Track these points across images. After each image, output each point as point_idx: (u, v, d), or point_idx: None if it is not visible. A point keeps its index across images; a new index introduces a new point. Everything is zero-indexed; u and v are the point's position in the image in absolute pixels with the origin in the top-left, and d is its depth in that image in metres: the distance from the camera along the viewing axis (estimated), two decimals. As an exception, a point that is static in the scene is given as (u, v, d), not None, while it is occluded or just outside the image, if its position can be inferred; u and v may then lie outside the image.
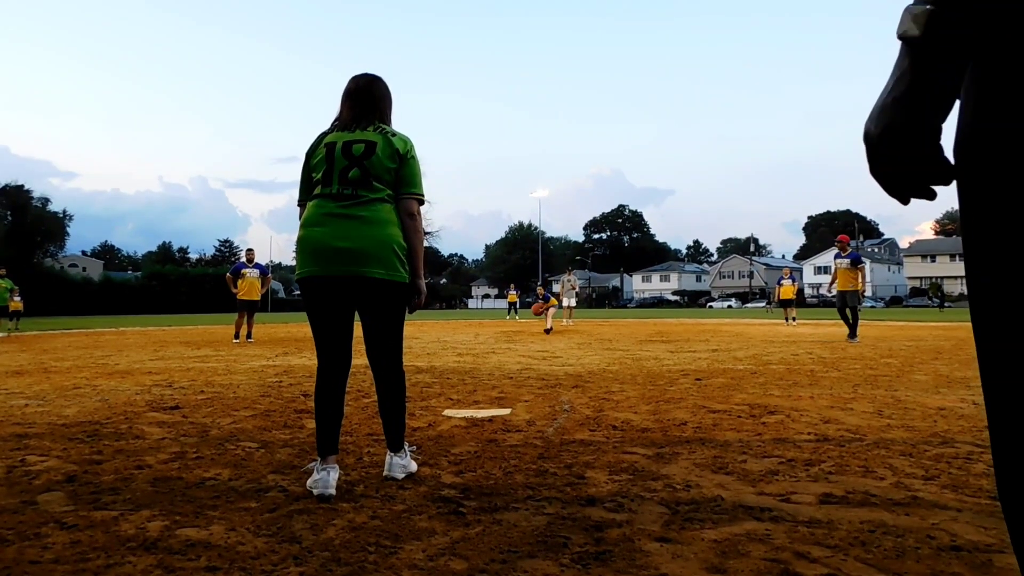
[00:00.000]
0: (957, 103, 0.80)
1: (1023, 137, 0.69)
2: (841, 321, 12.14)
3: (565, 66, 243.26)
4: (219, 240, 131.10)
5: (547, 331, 16.28)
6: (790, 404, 4.79)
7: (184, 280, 67.42)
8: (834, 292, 12.29)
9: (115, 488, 2.73)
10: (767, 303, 59.78)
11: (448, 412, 4.57)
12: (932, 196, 0.83)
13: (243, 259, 13.74)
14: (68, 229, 65.20)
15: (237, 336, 13.05)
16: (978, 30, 0.74)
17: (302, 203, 2.93)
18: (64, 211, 64.87)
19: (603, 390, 5.62)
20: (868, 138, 0.83)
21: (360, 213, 2.73)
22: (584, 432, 3.85)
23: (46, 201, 63.09)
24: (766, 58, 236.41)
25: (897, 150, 0.80)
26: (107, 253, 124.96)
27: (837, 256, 12.24)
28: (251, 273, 13.19)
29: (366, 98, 2.94)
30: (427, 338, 14.29)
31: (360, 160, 2.77)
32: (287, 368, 7.78)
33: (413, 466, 2.98)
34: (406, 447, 2.95)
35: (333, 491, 2.63)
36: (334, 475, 2.67)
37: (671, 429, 3.91)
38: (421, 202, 2.90)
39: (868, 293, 14.15)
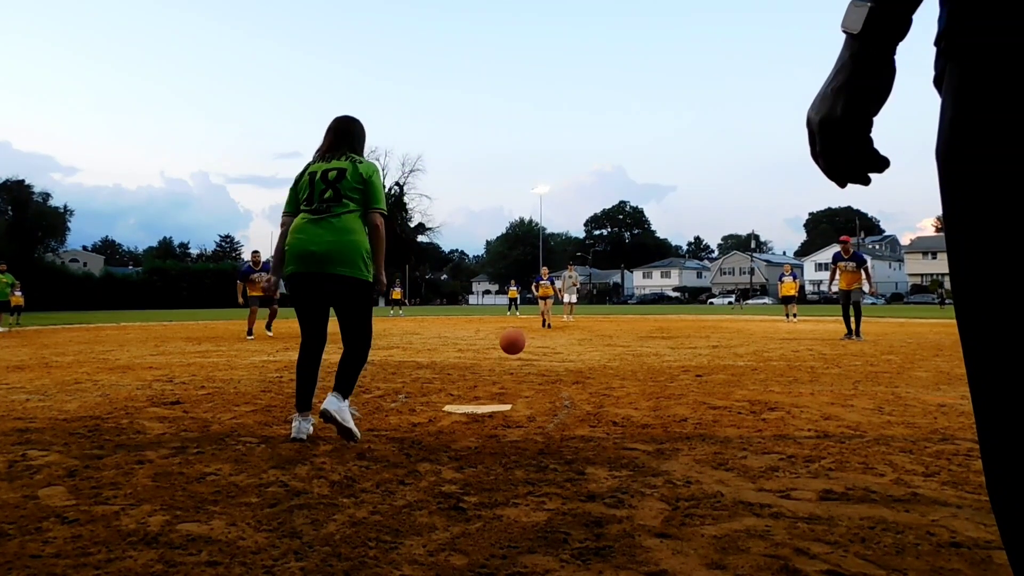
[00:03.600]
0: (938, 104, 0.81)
1: (1005, 135, 0.69)
2: (842, 319, 12.00)
3: (569, 62, 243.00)
4: (220, 235, 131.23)
5: (546, 326, 16.31)
6: (790, 400, 4.79)
7: (185, 275, 67.29)
8: (835, 290, 12.13)
9: (116, 483, 2.73)
10: (734, 300, 59.54)
11: (449, 408, 4.58)
12: (867, 182, 0.88)
13: (248, 262, 13.69)
14: (69, 224, 65.33)
15: (250, 333, 12.88)
16: (959, 28, 0.75)
17: (286, 215, 3.77)
18: (65, 206, 64.98)
19: (604, 386, 5.62)
20: (809, 125, 0.87)
21: (331, 223, 3.53)
22: (584, 428, 3.85)
23: (47, 196, 63.18)
24: (769, 53, 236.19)
25: (833, 138, 0.85)
26: (108, 248, 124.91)
27: (839, 259, 11.97)
28: (259, 277, 13.11)
29: (343, 134, 3.78)
30: (428, 334, 14.31)
31: (333, 183, 3.57)
32: (288, 364, 7.78)
33: (348, 420, 3.47)
34: (348, 402, 3.52)
35: (304, 437, 3.49)
36: (307, 424, 3.55)
37: (671, 425, 3.91)
38: (383, 215, 3.66)
39: (873, 290, 14.03)
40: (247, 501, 2.49)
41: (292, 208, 3.74)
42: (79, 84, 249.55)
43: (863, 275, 11.82)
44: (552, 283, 18.53)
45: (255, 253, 13.72)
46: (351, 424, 3.47)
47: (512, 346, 7.46)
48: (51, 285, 51.15)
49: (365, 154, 3.92)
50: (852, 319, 11.59)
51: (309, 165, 3.72)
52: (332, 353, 3.92)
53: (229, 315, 31.76)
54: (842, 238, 12.48)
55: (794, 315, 20.35)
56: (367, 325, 3.65)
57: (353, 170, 3.59)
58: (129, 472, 2.90)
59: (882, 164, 0.86)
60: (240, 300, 13.17)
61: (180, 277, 66.34)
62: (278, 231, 3.81)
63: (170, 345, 11.14)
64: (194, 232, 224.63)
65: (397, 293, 31.11)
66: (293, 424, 3.53)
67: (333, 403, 3.42)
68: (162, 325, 20.34)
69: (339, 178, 3.56)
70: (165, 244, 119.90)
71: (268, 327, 13.33)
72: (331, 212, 3.53)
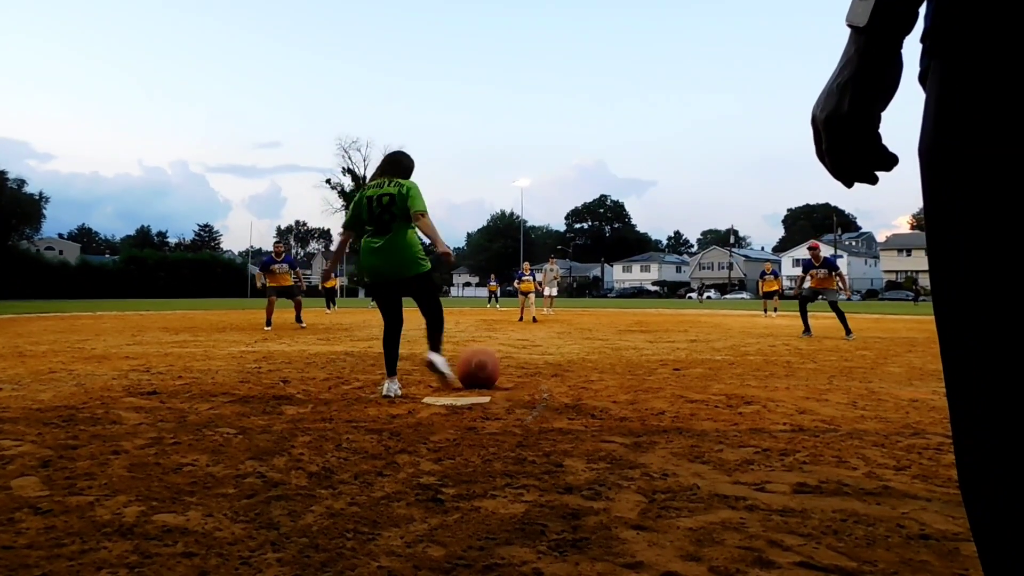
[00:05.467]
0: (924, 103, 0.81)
1: (988, 133, 0.69)
2: (800, 316, 11.72)
3: (551, 56, 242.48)
4: (198, 224, 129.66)
5: (521, 319, 16.34)
6: (767, 395, 4.84)
7: (162, 265, 66.57)
8: (806, 290, 11.72)
9: (91, 473, 2.71)
10: (697, 295, 61.24)
11: (428, 400, 4.57)
12: (874, 181, 0.86)
13: (271, 253, 13.47)
14: (45, 212, 64.27)
15: (269, 323, 12.56)
16: (945, 25, 0.75)
17: (346, 228, 4.97)
18: (40, 193, 63.95)
19: (582, 379, 5.65)
20: (814, 122, 0.85)
21: (392, 241, 4.64)
22: (563, 420, 3.87)
23: (22, 183, 62.07)
24: (751, 49, 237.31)
25: (840, 135, 0.82)
26: (85, 236, 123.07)
27: (809, 267, 11.65)
28: (280, 268, 12.97)
29: (392, 164, 4.92)
30: (408, 325, 14.15)
31: (387, 208, 4.65)
32: (266, 354, 7.74)
33: (445, 368, 4.75)
34: (440, 353, 4.77)
35: (392, 395, 4.62)
36: (395, 385, 4.72)
37: (649, 418, 3.94)
38: (421, 212, 4.59)
39: (847, 293, 14.45)
40: (224, 492, 2.48)
41: (350, 224, 4.92)
42: (56, 69, 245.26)
43: (837, 281, 11.59)
44: (533, 277, 18.36)
45: (277, 243, 13.54)
46: (446, 371, 4.75)
47: (471, 377, 5.07)
48: (26, 273, 50.53)
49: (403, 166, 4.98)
50: (837, 319, 11.06)
51: (365, 189, 4.83)
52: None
53: (206, 305, 31.47)
54: (811, 245, 12.10)
55: (775, 310, 20.77)
56: (437, 299, 4.91)
57: (399, 194, 4.64)
58: (104, 462, 2.88)
59: (890, 162, 0.84)
60: (259, 285, 13.10)
61: (158, 266, 65.63)
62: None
63: (147, 335, 11.03)
64: (172, 221, 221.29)
65: None
66: (384, 385, 4.72)
67: (436, 357, 4.71)
68: (139, 314, 20.12)
69: (390, 204, 4.64)
70: (143, 233, 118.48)
71: (298, 319, 13.09)
72: (389, 231, 4.63)
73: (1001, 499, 0.69)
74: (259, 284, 13.16)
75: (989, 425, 0.70)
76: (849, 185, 0.87)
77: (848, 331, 10.89)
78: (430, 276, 4.85)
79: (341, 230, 5.06)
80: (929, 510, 2.31)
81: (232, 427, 3.64)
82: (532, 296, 17.29)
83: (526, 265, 18.32)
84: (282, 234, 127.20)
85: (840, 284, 11.54)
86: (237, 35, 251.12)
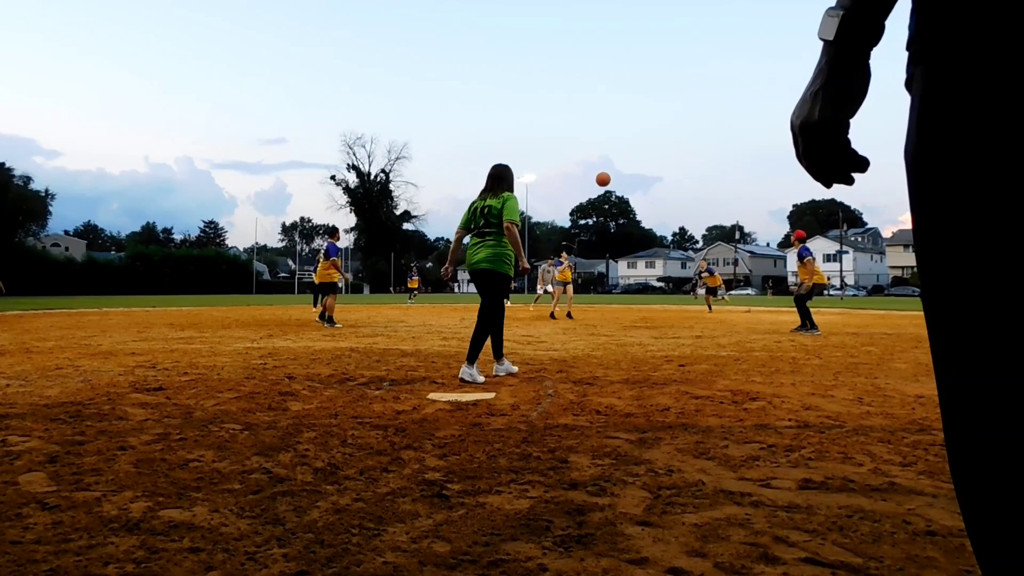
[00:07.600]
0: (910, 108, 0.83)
1: (966, 137, 0.72)
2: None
3: (557, 52, 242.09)
4: (204, 221, 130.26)
5: (552, 316, 16.21)
6: (772, 391, 4.83)
7: (168, 261, 66.83)
8: (803, 286, 11.77)
9: (97, 469, 2.72)
10: (691, 291, 62.99)
11: (433, 396, 4.58)
12: (850, 182, 0.92)
13: (332, 243, 12.74)
14: (51, 208, 64.77)
15: (331, 320, 12.12)
16: (928, 33, 0.78)
17: (460, 229, 5.82)
18: (47, 190, 64.40)
19: (587, 375, 5.65)
20: (792, 128, 0.92)
21: (487, 242, 5.51)
22: (568, 417, 3.87)
23: (28, 179, 62.41)
24: (755, 46, 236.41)
25: (813, 140, 0.88)
26: (90, 233, 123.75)
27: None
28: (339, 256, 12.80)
29: (496, 179, 5.71)
30: (412, 322, 14.28)
31: (485, 215, 5.55)
32: (272, 351, 7.75)
33: (476, 378, 5.21)
34: (506, 360, 5.78)
35: (504, 373, 5.64)
36: (504, 367, 5.68)
37: (654, 414, 3.94)
38: (513, 222, 5.45)
39: (808, 286, 15.00)
40: (230, 488, 2.49)
41: (464, 227, 5.77)
42: (63, 67, 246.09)
43: (805, 269, 11.62)
44: (570, 266, 17.30)
45: (336, 233, 12.94)
46: (479, 380, 5.19)
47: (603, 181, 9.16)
48: (32, 270, 50.76)
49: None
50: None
51: (475, 201, 5.74)
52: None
53: (211, 302, 31.55)
54: (796, 233, 12.13)
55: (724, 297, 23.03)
56: (494, 305, 5.49)
57: (498, 206, 5.50)
58: (111, 458, 2.89)
59: (863, 164, 0.89)
60: (343, 279, 12.69)
61: (163, 263, 65.90)
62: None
63: (153, 331, 11.06)
64: (178, 218, 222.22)
65: (414, 282, 31.54)
66: (494, 367, 5.68)
67: (464, 371, 5.29)
68: (145, 311, 20.17)
69: (489, 212, 5.53)
70: (148, 229, 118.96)
71: (321, 316, 12.38)
72: (485, 234, 5.53)
73: (986, 491, 0.72)
74: (342, 279, 12.70)
75: (973, 420, 0.73)
76: (828, 185, 0.94)
77: (811, 325, 11.19)
78: (503, 281, 5.48)
79: (457, 230, 5.90)
80: (935, 506, 2.31)
81: (238, 423, 3.65)
82: (570, 288, 16.75)
83: (555, 261, 17.29)
84: (287, 230, 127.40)
85: (806, 273, 11.49)
86: (243, 32, 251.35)
